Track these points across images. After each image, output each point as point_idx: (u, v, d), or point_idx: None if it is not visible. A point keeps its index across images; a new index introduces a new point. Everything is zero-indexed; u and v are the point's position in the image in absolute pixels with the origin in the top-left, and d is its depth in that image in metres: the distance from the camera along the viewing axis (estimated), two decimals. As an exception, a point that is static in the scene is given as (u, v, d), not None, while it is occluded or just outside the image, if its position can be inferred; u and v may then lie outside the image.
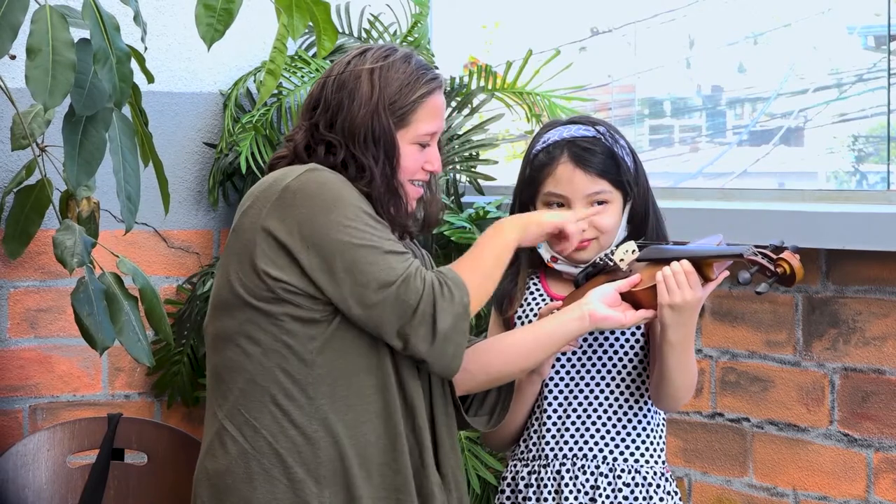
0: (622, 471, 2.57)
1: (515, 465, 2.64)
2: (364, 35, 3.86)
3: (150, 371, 3.70)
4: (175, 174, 3.72)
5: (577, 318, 2.45)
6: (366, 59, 2.44)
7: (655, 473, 2.59)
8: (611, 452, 2.57)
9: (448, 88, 3.77)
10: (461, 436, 3.49)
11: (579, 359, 2.60)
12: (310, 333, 2.35)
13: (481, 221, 3.56)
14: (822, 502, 3.14)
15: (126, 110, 2.70)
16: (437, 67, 3.76)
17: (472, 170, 3.77)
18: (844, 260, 3.08)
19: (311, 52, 3.81)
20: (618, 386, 2.59)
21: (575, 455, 2.58)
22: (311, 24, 2.55)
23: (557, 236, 2.52)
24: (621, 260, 2.52)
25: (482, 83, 3.77)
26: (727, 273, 2.46)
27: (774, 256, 2.37)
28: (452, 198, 3.73)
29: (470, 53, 4.35)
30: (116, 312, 2.75)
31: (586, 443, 2.58)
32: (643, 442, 2.59)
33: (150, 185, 2.91)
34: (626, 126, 4.07)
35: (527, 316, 2.63)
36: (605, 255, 2.56)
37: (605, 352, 2.59)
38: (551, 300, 2.61)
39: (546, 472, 2.59)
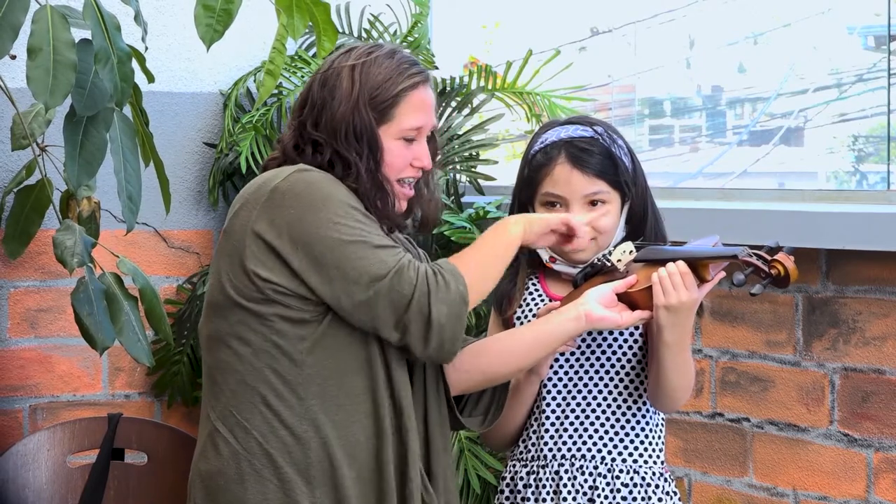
0: (621, 471, 2.57)
1: (514, 466, 2.65)
2: (364, 35, 3.86)
3: (150, 371, 3.70)
4: (175, 174, 3.72)
5: (573, 318, 2.45)
6: (349, 57, 2.44)
7: (654, 474, 2.59)
8: (609, 453, 2.57)
9: (448, 88, 3.77)
10: (461, 436, 3.50)
11: (577, 360, 2.60)
12: (300, 334, 2.35)
13: (481, 221, 3.57)
14: (823, 502, 3.14)
15: (127, 110, 2.70)
16: (436, 67, 3.79)
17: (472, 170, 3.77)
18: (844, 260, 3.08)
19: (311, 53, 3.81)
20: (616, 387, 2.59)
21: (573, 455, 2.58)
22: (311, 24, 2.55)
23: (564, 235, 2.52)
24: (619, 260, 2.52)
25: (482, 83, 3.77)
26: (723, 274, 2.46)
27: (769, 258, 2.37)
28: (452, 198, 3.73)
29: (470, 53, 4.36)
30: (116, 312, 2.75)
31: (584, 443, 2.58)
32: (641, 442, 2.59)
33: (151, 184, 2.91)
34: (626, 126, 4.07)
35: (526, 316, 2.63)
36: (603, 255, 2.56)
37: (604, 352, 2.59)
38: (550, 301, 2.61)
39: (544, 473, 2.59)
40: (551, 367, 2.59)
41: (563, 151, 2.58)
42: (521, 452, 2.64)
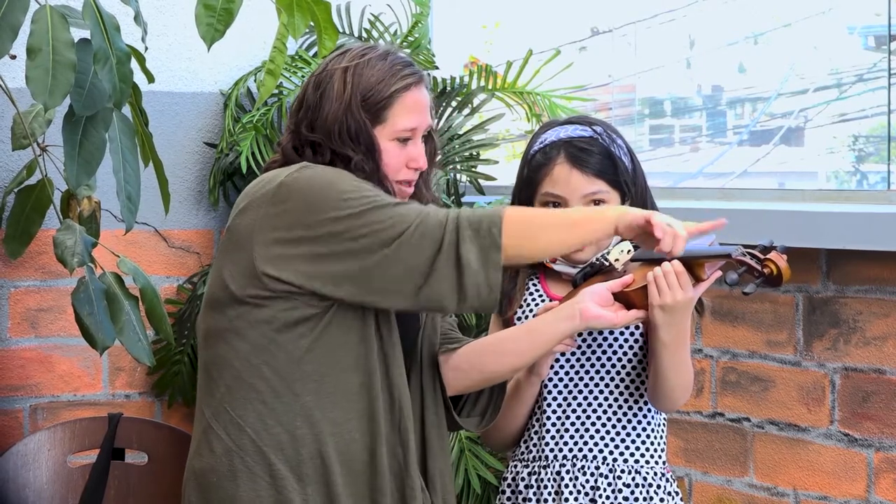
0: (622, 471, 2.57)
1: (516, 466, 2.65)
2: (365, 35, 3.86)
3: (150, 371, 3.70)
4: (175, 174, 3.72)
5: (568, 317, 2.44)
6: (343, 59, 2.44)
7: (656, 474, 2.59)
8: (610, 453, 2.57)
9: (448, 88, 3.77)
10: (462, 436, 3.50)
11: (578, 360, 2.60)
12: (300, 331, 2.35)
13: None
14: (823, 502, 3.14)
15: (126, 110, 2.70)
16: (436, 67, 3.79)
17: (473, 170, 3.77)
18: (845, 260, 3.08)
19: (311, 52, 3.81)
20: (617, 387, 2.59)
21: (575, 456, 2.58)
22: (311, 23, 2.55)
23: (648, 233, 2.37)
24: (616, 260, 2.52)
25: (482, 83, 3.77)
26: (719, 273, 2.46)
27: (762, 257, 2.37)
28: (453, 198, 3.73)
29: (470, 53, 4.36)
30: (117, 312, 2.75)
31: (586, 444, 2.58)
32: (643, 442, 2.59)
33: (151, 184, 2.91)
34: (627, 126, 4.07)
35: (526, 316, 2.63)
36: (602, 255, 2.56)
37: (605, 352, 2.59)
38: (550, 301, 2.61)
39: (546, 473, 2.59)
40: (552, 367, 2.59)
41: (563, 151, 2.58)
42: (522, 453, 2.64)
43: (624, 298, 2.46)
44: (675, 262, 2.42)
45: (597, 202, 2.56)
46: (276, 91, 3.71)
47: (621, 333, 2.59)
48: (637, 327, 2.58)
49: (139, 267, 2.91)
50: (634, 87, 4.18)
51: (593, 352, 2.59)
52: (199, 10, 2.45)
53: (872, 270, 3.04)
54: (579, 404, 2.59)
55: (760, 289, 2.41)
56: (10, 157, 3.48)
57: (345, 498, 2.35)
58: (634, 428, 2.59)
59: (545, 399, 2.60)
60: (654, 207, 2.62)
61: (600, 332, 2.58)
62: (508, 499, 2.64)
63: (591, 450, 2.57)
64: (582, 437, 2.58)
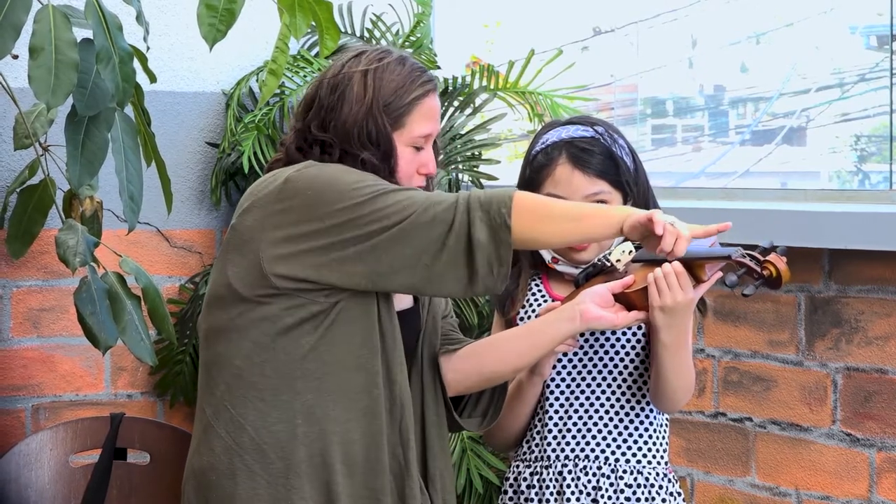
0: (624, 472, 2.57)
1: (518, 466, 2.65)
2: (366, 35, 3.86)
3: (152, 370, 3.70)
4: (177, 174, 3.71)
5: (568, 318, 2.44)
6: (360, 62, 2.44)
7: (658, 474, 2.59)
8: (612, 453, 2.57)
9: (450, 88, 3.77)
10: (464, 436, 3.50)
11: (580, 360, 2.60)
12: (303, 329, 2.35)
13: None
14: (825, 502, 3.14)
15: (129, 110, 2.70)
16: (438, 67, 3.79)
17: (475, 169, 3.76)
18: (847, 260, 3.08)
19: (313, 52, 3.81)
20: (619, 387, 2.59)
21: (577, 456, 2.58)
22: (313, 23, 2.55)
23: (652, 234, 2.35)
24: (618, 261, 2.52)
25: (484, 83, 3.77)
26: (720, 274, 2.45)
27: (762, 259, 2.37)
28: (454, 197, 3.73)
29: (472, 53, 4.36)
30: (119, 312, 2.76)
31: (588, 444, 2.58)
32: (645, 443, 2.59)
33: (153, 184, 2.91)
34: (629, 126, 4.07)
35: (529, 317, 2.63)
36: (604, 255, 2.56)
37: (607, 353, 2.59)
38: (553, 301, 2.61)
39: (548, 473, 2.59)
40: (554, 367, 2.59)
41: (564, 152, 2.58)
42: (524, 453, 2.64)
43: (625, 299, 2.46)
44: (676, 263, 2.42)
45: (599, 203, 2.56)
46: (279, 91, 3.71)
47: (623, 334, 2.59)
48: (639, 328, 2.58)
49: (141, 267, 2.91)
50: (636, 87, 4.18)
51: (595, 352, 2.59)
52: (201, 11, 2.45)
53: (874, 270, 3.04)
54: (581, 405, 2.59)
55: (760, 290, 2.41)
56: (13, 157, 3.48)
57: (344, 497, 2.35)
58: (637, 428, 2.59)
59: (547, 399, 2.60)
60: (656, 207, 2.62)
61: (602, 333, 2.58)
62: (510, 499, 2.64)
63: (593, 450, 2.57)
64: (584, 437, 2.58)
